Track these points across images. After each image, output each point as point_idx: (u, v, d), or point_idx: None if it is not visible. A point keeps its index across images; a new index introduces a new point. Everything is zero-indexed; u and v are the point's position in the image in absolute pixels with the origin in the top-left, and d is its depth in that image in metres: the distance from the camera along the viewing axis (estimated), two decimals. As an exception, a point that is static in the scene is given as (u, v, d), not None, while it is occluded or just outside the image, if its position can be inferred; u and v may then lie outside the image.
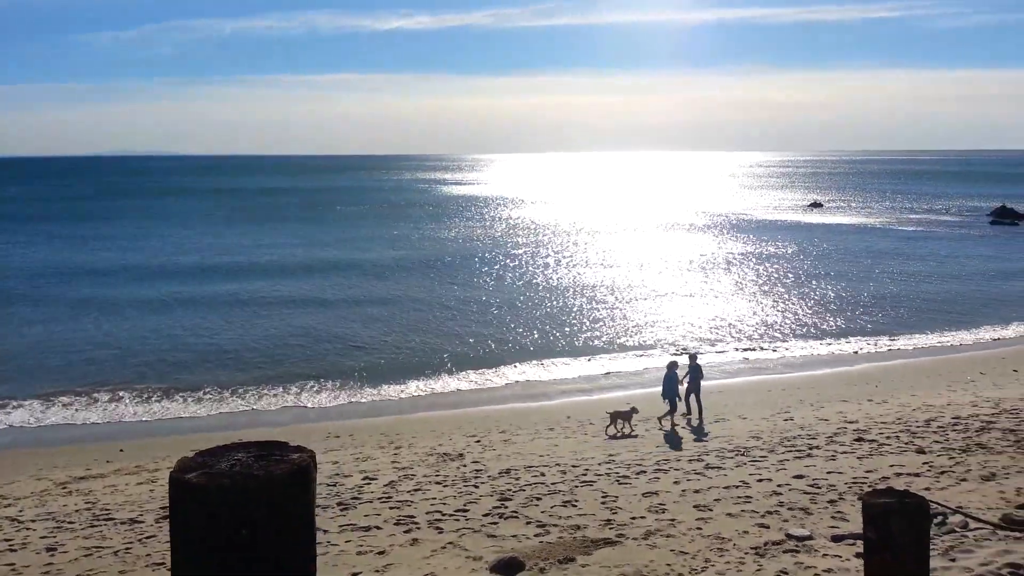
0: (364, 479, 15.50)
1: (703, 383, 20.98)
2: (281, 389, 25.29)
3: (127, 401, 24.14)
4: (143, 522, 13.35)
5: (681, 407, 20.33)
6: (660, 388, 20.36)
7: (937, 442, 16.47)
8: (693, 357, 21.35)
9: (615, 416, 19.15)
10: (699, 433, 18.82)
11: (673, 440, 18.35)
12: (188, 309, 37.26)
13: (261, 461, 2.43)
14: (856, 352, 29.99)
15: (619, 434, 18.82)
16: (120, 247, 61.40)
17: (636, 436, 18.74)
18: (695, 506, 12.91)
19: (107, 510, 14.38)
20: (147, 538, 12.39)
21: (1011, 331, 32.90)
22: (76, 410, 23.44)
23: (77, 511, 14.46)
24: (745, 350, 30.44)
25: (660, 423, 19.82)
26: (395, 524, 12.56)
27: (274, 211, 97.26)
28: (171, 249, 60.05)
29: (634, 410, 19.50)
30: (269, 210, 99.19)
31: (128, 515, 13.92)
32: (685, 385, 20.58)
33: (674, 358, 21.98)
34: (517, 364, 28.47)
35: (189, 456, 2.56)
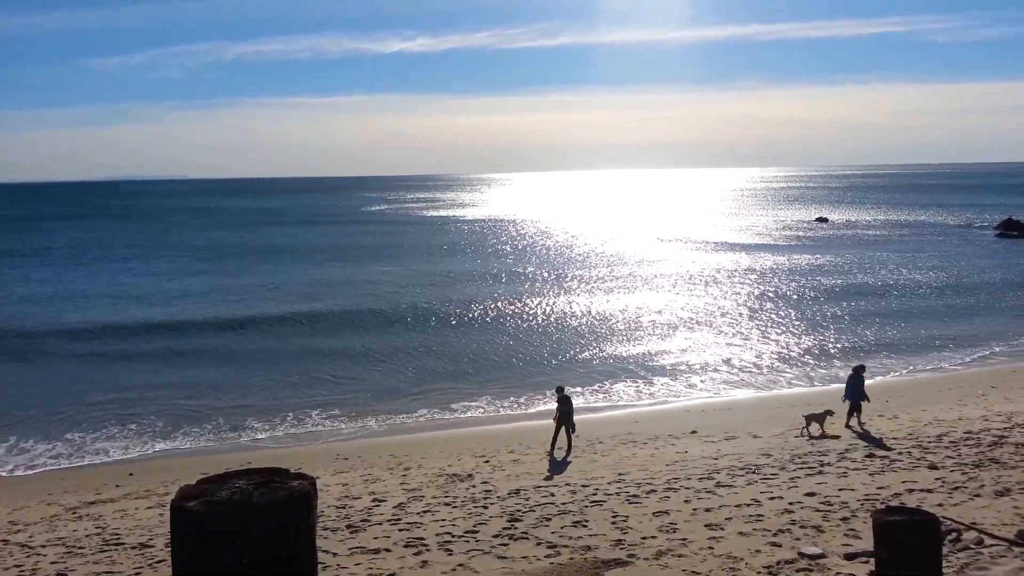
0: (373, 501, 15.46)
1: (576, 417, 19.77)
2: (289, 413, 25.24)
3: (137, 428, 24.13)
4: (153, 546, 13.33)
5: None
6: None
7: (949, 457, 16.33)
8: (560, 389, 20.18)
9: (810, 418, 19.57)
10: (558, 468, 17.54)
11: (867, 437, 18.63)
12: (194, 338, 37.12)
13: (261, 489, 2.42)
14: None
15: (817, 435, 19.12)
16: (124, 275, 61.79)
17: (838, 437, 18.91)
18: (706, 525, 12.82)
19: (117, 535, 14.36)
20: (157, 562, 12.37)
21: (1021, 344, 32.68)
22: (87, 436, 23.44)
23: (87, 536, 14.45)
24: (753, 368, 30.31)
25: (849, 425, 19.98)
26: (404, 546, 12.50)
27: (281, 233, 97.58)
28: (176, 276, 60.41)
29: (828, 412, 19.82)
30: (280, 231, 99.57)
31: (138, 539, 13.90)
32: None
33: (860, 363, 22.49)
34: (525, 384, 28.41)
35: (191, 484, 2.56)
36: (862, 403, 20.28)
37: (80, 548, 13.60)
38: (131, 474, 19.83)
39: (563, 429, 19.23)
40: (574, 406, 20.07)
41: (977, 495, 13.60)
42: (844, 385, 20.90)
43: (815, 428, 19.45)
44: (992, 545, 10.79)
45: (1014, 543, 10.78)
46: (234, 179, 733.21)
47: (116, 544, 13.70)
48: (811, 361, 30.87)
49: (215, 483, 2.58)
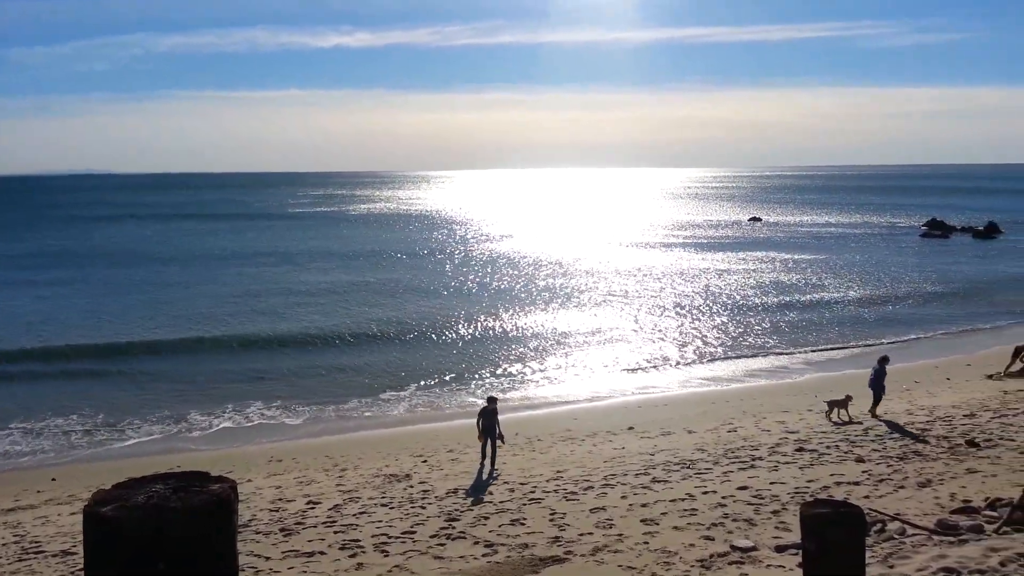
0: (308, 503, 15.21)
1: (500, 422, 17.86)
2: (221, 414, 24.71)
3: (61, 431, 23.28)
4: (76, 554, 12.87)
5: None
6: None
7: (875, 450, 16.87)
8: (491, 400, 18.45)
9: (832, 404, 20.18)
10: (480, 490, 15.64)
11: (890, 426, 19.02)
12: (117, 356, 34.51)
13: (179, 493, 2.34)
14: (794, 363, 30.62)
15: (839, 420, 19.80)
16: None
17: (860, 423, 19.42)
18: (642, 520, 12.98)
19: (37, 542, 13.83)
20: (80, 570, 11.94)
21: (940, 339, 33.98)
22: (4, 442, 22.53)
23: (4, 544, 13.87)
24: (688, 364, 30.86)
25: (875, 413, 20.33)
26: (340, 549, 12.34)
27: (209, 231, 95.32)
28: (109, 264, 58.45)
29: (849, 398, 20.33)
30: (209, 229, 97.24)
31: (60, 547, 13.42)
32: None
33: (886, 353, 22.82)
34: (463, 381, 28.38)
35: (105, 488, 2.46)
36: (882, 393, 20.66)
37: (-3, 557, 13.05)
38: (53, 479, 19.12)
39: (488, 441, 17.55)
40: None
41: (901, 487, 14.07)
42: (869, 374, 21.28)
43: (837, 414, 20.08)
44: (914, 534, 11.18)
45: (934, 532, 11.19)
46: (166, 174, 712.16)
47: (36, 552, 13.20)
48: (738, 356, 31.53)
49: (131, 487, 2.48)
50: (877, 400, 20.66)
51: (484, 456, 17.63)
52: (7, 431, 23.03)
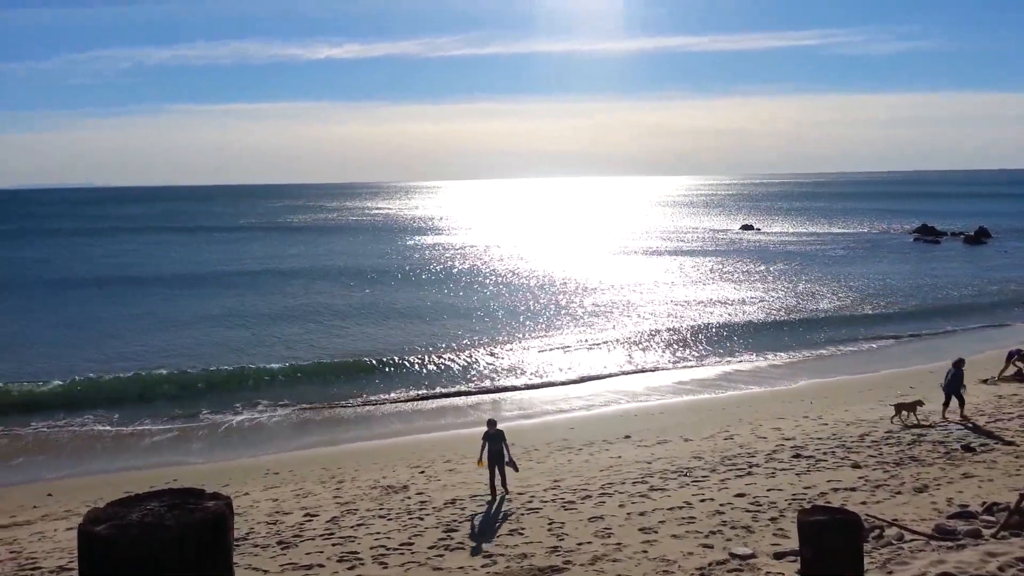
0: (305, 516, 15.15)
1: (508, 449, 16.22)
2: (215, 427, 24.61)
3: (55, 447, 23.16)
4: (72, 569, 12.78)
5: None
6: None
7: (872, 456, 16.89)
8: (491, 423, 16.48)
9: (899, 407, 20.24)
10: (492, 526, 13.90)
11: (976, 429, 18.92)
12: (107, 350, 35.98)
13: (174, 511, 2.32)
14: (788, 369, 30.65)
15: (907, 424, 19.83)
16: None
17: (932, 425, 19.45)
18: (640, 529, 12.96)
19: (34, 559, 13.74)
20: (75, 587, 11.87)
21: (934, 344, 34.04)
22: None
23: (1, 561, 13.77)
24: (683, 372, 30.87)
25: (945, 416, 20.29)
26: (338, 561, 12.30)
27: (204, 242, 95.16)
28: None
29: (919, 402, 20.42)
30: (201, 241, 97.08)
31: (56, 563, 13.33)
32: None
33: (960, 356, 22.10)
34: (458, 391, 28.33)
35: (100, 507, 2.44)
36: (963, 395, 20.48)
37: (-8, 575, 12.97)
38: (50, 495, 18.99)
39: (496, 468, 15.93)
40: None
41: (898, 492, 14.08)
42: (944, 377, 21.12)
43: (905, 416, 20.07)
44: (912, 540, 11.18)
45: (932, 537, 11.19)
46: (156, 187, 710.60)
47: (32, 568, 13.11)
48: (735, 363, 31.54)
49: (125, 505, 2.47)
50: (948, 402, 20.49)
51: (493, 488, 15.77)
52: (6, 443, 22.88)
